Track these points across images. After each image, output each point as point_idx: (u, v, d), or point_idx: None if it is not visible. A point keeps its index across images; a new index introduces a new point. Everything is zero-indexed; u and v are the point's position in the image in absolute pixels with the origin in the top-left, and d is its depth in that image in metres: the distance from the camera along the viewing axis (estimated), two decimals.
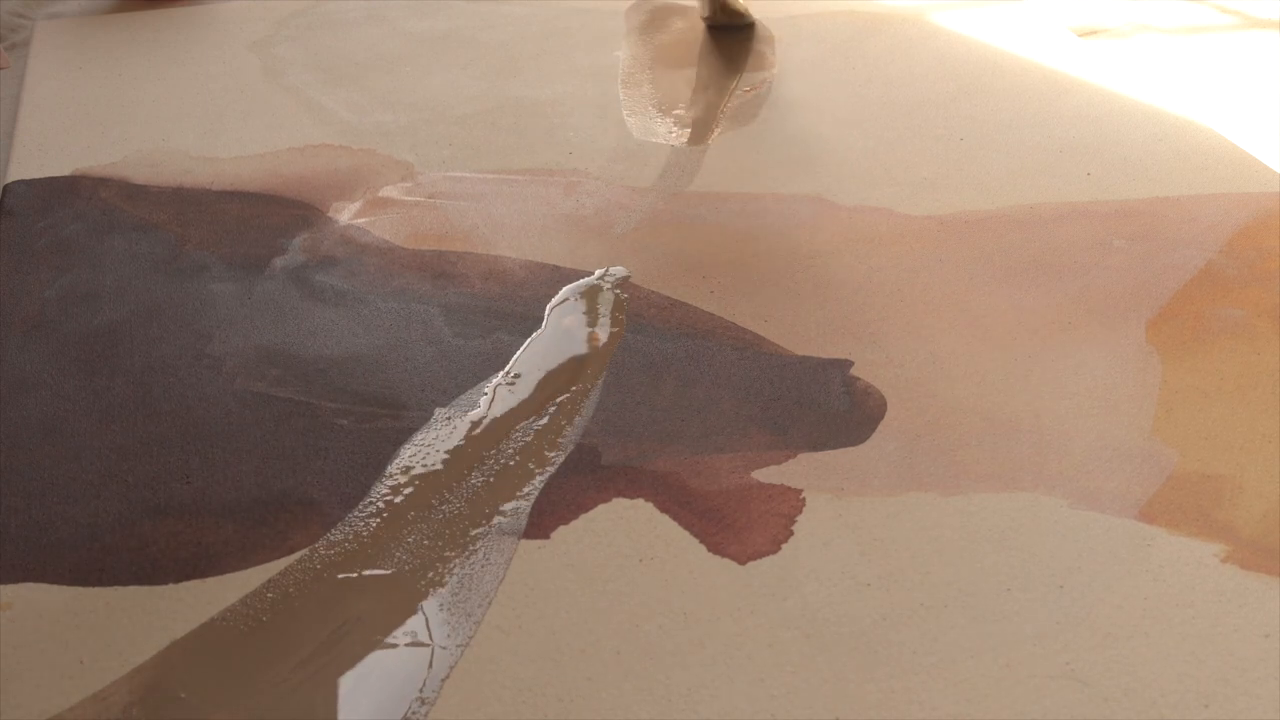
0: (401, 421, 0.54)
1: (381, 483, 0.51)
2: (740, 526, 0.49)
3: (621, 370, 0.57)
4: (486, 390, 0.56)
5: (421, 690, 0.42)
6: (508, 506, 0.50)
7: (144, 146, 0.77)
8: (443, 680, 0.43)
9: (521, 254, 0.66)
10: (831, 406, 0.55)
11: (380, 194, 0.71)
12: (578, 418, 0.54)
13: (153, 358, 0.59)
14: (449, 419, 0.54)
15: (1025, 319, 0.60)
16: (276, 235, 0.67)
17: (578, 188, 0.72)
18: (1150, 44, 0.90)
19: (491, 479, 0.51)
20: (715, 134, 0.77)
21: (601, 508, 0.50)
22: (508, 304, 0.62)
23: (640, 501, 0.50)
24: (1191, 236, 0.65)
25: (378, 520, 0.49)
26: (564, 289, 0.63)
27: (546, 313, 0.61)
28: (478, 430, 0.53)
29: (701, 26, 0.91)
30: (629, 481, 0.51)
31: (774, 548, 0.48)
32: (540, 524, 0.49)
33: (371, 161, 0.75)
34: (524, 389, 0.56)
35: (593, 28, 0.92)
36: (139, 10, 0.97)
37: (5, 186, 0.73)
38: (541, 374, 0.57)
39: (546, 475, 0.51)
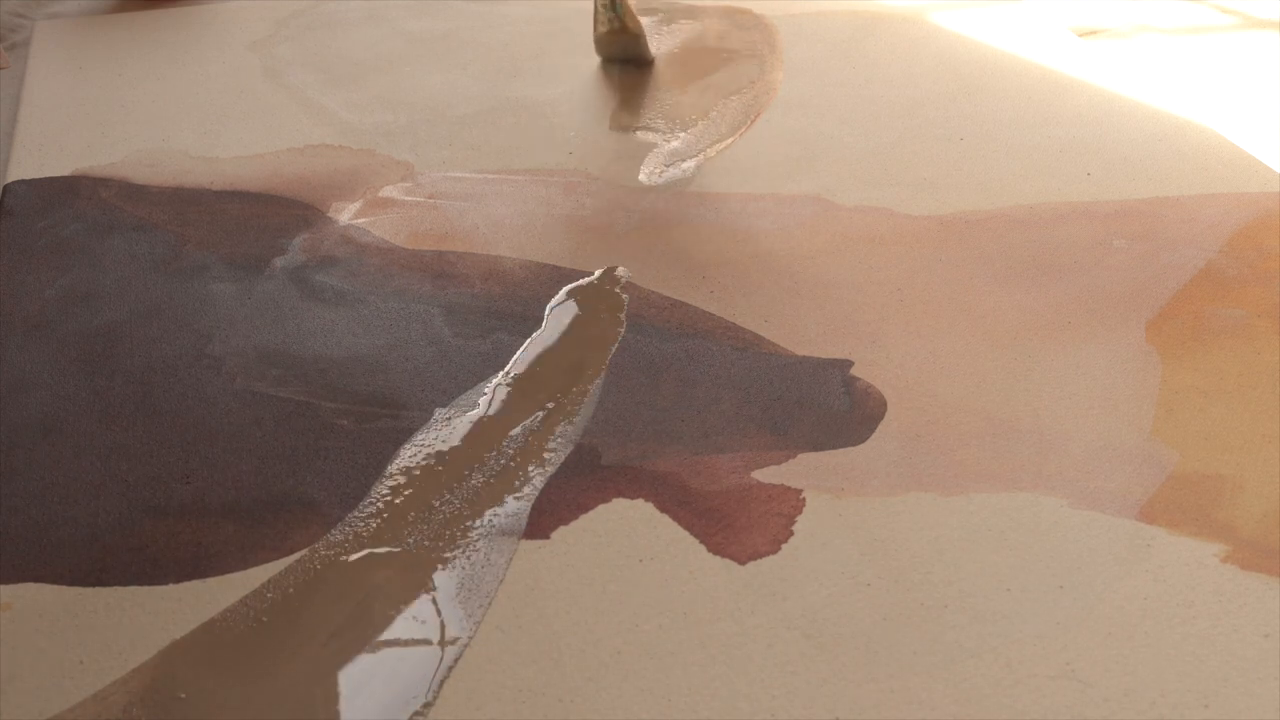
0: (401, 421, 0.54)
1: (381, 483, 0.51)
2: (740, 526, 0.49)
3: (621, 370, 0.57)
4: (486, 390, 0.56)
5: (423, 691, 0.42)
6: (508, 506, 0.50)
7: (144, 146, 0.77)
8: (442, 681, 0.43)
9: (521, 254, 0.66)
10: (831, 406, 0.55)
11: (380, 194, 0.71)
12: (578, 418, 0.54)
13: (153, 358, 0.59)
14: (449, 419, 0.54)
15: (1025, 319, 0.60)
16: (276, 235, 0.67)
17: (578, 188, 0.72)
18: (1150, 44, 0.90)
19: (491, 479, 0.51)
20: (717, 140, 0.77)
21: (601, 508, 0.50)
22: (508, 304, 0.62)
23: (640, 501, 0.50)
24: (1191, 236, 0.65)
25: (377, 520, 0.49)
26: (564, 289, 0.63)
27: (546, 313, 0.61)
28: (478, 430, 0.53)
29: (707, 30, 0.91)
30: (629, 481, 0.51)
31: (774, 548, 0.48)
32: (540, 524, 0.49)
33: (371, 161, 0.75)
34: (524, 389, 0.56)
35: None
36: (139, 10, 0.97)
37: (5, 186, 0.73)
38: (541, 374, 0.57)
39: (546, 475, 0.51)
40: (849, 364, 0.57)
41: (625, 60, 0.84)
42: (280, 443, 0.53)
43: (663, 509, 0.50)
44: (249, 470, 0.52)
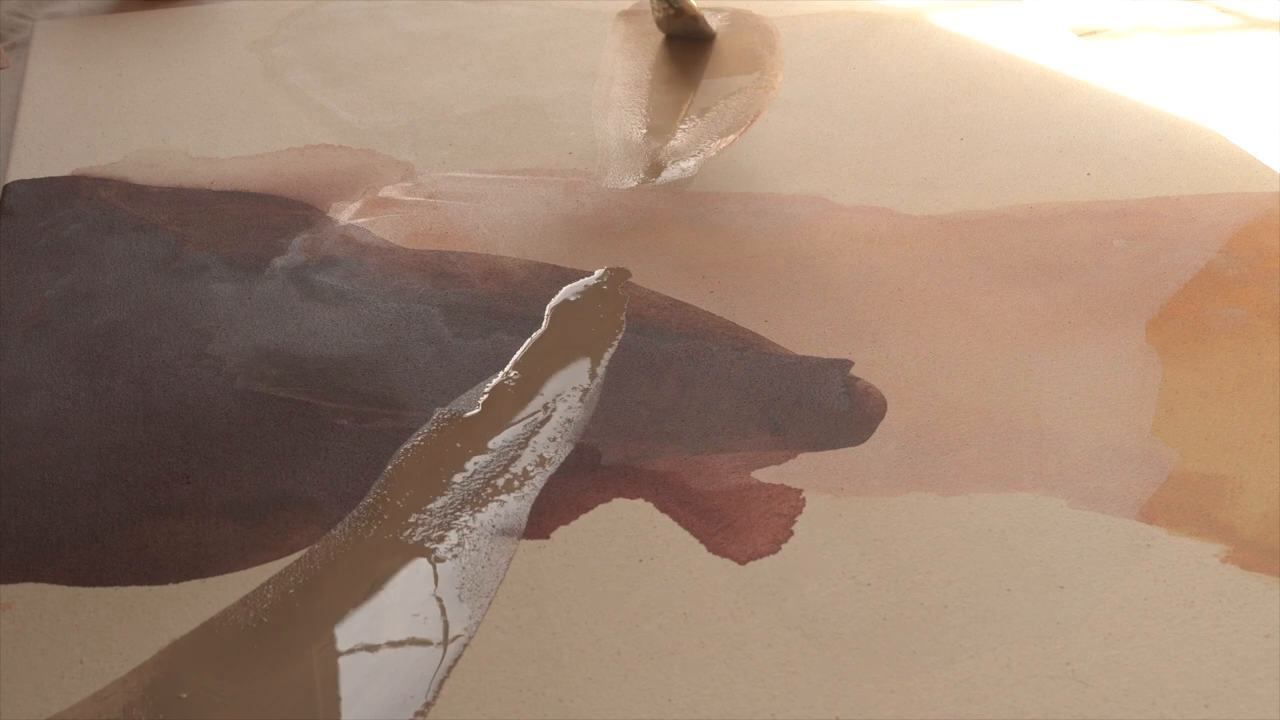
0: (401, 421, 0.54)
1: (382, 483, 0.51)
2: (740, 526, 0.49)
3: (621, 370, 0.57)
4: (486, 390, 0.56)
5: (423, 691, 0.42)
6: (508, 506, 0.50)
7: (144, 146, 0.77)
8: (442, 681, 0.43)
9: (521, 254, 0.66)
10: (831, 406, 0.55)
11: (380, 194, 0.71)
12: (578, 418, 0.54)
13: (153, 358, 0.59)
14: (449, 419, 0.54)
15: (1025, 319, 0.60)
16: (276, 235, 0.67)
17: (578, 188, 0.72)
18: (1150, 44, 0.90)
19: (492, 479, 0.51)
20: (716, 141, 0.77)
21: (601, 508, 0.50)
22: (508, 304, 0.62)
23: (640, 501, 0.50)
24: (1191, 236, 0.65)
25: (378, 520, 0.49)
26: (564, 289, 0.63)
27: (546, 313, 0.61)
28: (478, 430, 0.53)
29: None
30: (629, 481, 0.51)
31: (774, 548, 0.48)
32: (540, 524, 0.49)
33: (371, 161, 0.75)
34: (524, 389, 0.56)
35: (593, 28, 0.92)
36: (139, 10, 0.97)
37: (5, 186, 0.73)
38: (541, 374, 0.57)
39: (546, 475, 0.51)
40: (849, 364, 0.57)
41: (685, 36, 0.88)
42: (280, 443, 0.53)
43: (663, 509, 0.50)
44: (249, 470, 0.52)
